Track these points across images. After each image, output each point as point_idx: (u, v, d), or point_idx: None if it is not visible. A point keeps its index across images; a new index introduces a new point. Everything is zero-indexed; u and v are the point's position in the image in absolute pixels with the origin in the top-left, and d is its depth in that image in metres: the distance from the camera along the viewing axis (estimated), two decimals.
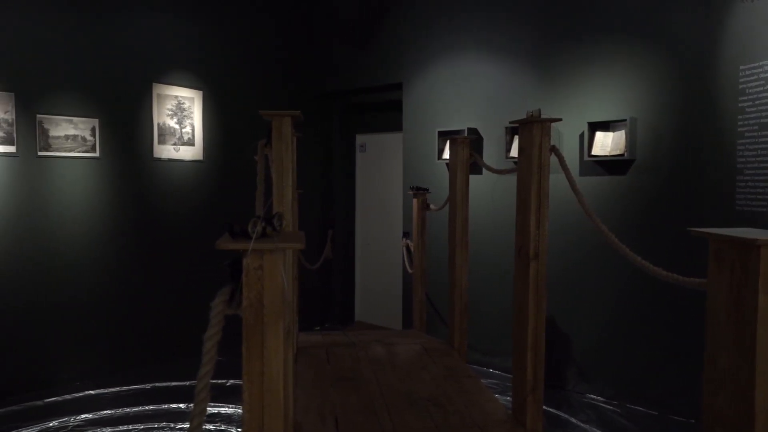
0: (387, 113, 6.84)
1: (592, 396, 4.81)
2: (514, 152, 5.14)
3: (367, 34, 6.57)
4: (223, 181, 6.04)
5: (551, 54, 5.08)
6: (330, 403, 3.09)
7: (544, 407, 2.99)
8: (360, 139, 7.33)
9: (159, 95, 5.56)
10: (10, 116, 4.65)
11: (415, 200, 5.07)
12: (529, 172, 2.77)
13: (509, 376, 5.09)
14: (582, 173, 4.85)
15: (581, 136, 4.84)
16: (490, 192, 5.47)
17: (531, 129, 2.76)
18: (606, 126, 4.72)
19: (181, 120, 5.73)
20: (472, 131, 5.56)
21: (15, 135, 4.68)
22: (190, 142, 5.81)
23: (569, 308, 4.95)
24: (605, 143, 4.70)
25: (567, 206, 4.75)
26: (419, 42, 6.06)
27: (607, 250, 4.67)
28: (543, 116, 2.74)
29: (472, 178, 4.40)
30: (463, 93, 5.70)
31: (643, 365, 4.54)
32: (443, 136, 5.75)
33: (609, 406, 4.60)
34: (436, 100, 5.92)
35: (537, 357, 2.80)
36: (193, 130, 5.82)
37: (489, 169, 3.82)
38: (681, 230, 3.16)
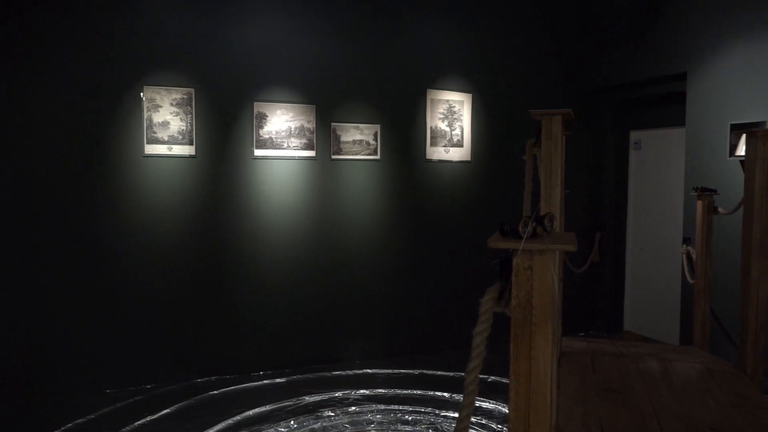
0: (666, 107, 6.24)
1: None
2: None
3: (648, 22, 6.06)
4: (489, 181, 6.17)
5: None
6: (595, 414, 2.94)
7: None
8: (634, 135, 6.81)
9: (432, 100, 5.92)
10: (312, 125, 5.42)
11: (699, 202, 4.53)
12: None
13: None
14: None
15: None
16: None
17: None
18: None
19: (452, 123, 6.01)
20: None
21: (315, 141, 5.44)
22: (459, 144, 6.06)
23: None
24: None
25: None
26: (709, 25, 5.38)
27: None
28: None
29: None
30: (764, 80, 4.91)
31: None
32: (737, 129, 5.03)
33: None
34: (729, 89, 5.20)
35: None
36: (462, 132, 6.06)
37: None
38: None
